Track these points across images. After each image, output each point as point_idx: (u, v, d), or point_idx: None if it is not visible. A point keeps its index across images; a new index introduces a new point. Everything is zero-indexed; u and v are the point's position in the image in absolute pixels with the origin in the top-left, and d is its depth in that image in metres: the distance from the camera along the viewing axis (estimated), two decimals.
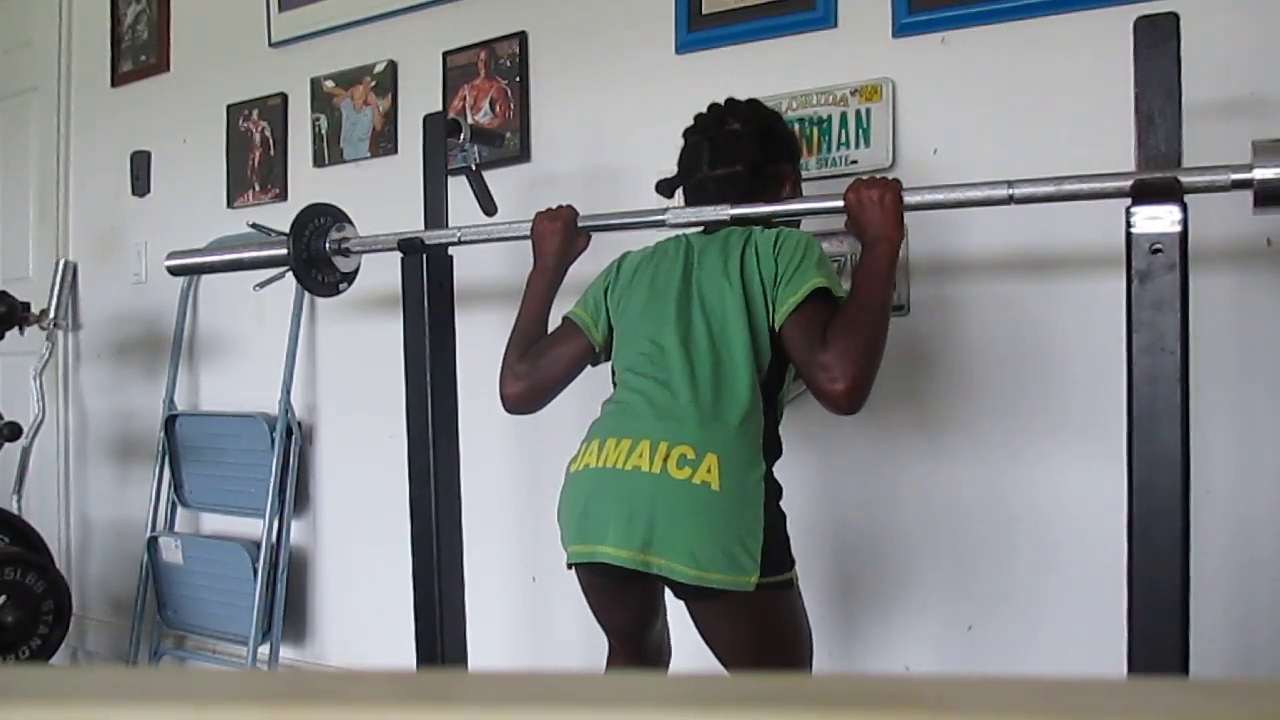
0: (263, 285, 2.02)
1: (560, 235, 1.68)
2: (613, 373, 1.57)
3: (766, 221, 1.57)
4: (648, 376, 1.45)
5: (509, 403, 1.60)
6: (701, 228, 1.60)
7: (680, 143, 1.64)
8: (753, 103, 1.62)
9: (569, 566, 1.49)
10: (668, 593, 1.48)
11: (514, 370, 1.59)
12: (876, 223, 1.42)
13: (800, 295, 1.38)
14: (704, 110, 1.62)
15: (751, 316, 1.43)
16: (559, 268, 1.69)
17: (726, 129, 1.58)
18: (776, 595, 1.38)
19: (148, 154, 3.04)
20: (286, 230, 1.97)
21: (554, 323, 1.67)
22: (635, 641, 1.60)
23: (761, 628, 1.41)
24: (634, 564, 1.36)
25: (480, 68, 2.37)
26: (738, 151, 1.56)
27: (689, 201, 1.62)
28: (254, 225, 2.12)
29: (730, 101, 1.61)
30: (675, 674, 0.32)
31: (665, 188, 1.67)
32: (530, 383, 1.58)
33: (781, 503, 1.43)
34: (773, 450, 1.44)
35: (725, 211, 1.55)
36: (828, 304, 1.39)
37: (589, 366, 1.62)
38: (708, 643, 1.45)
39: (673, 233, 1.63)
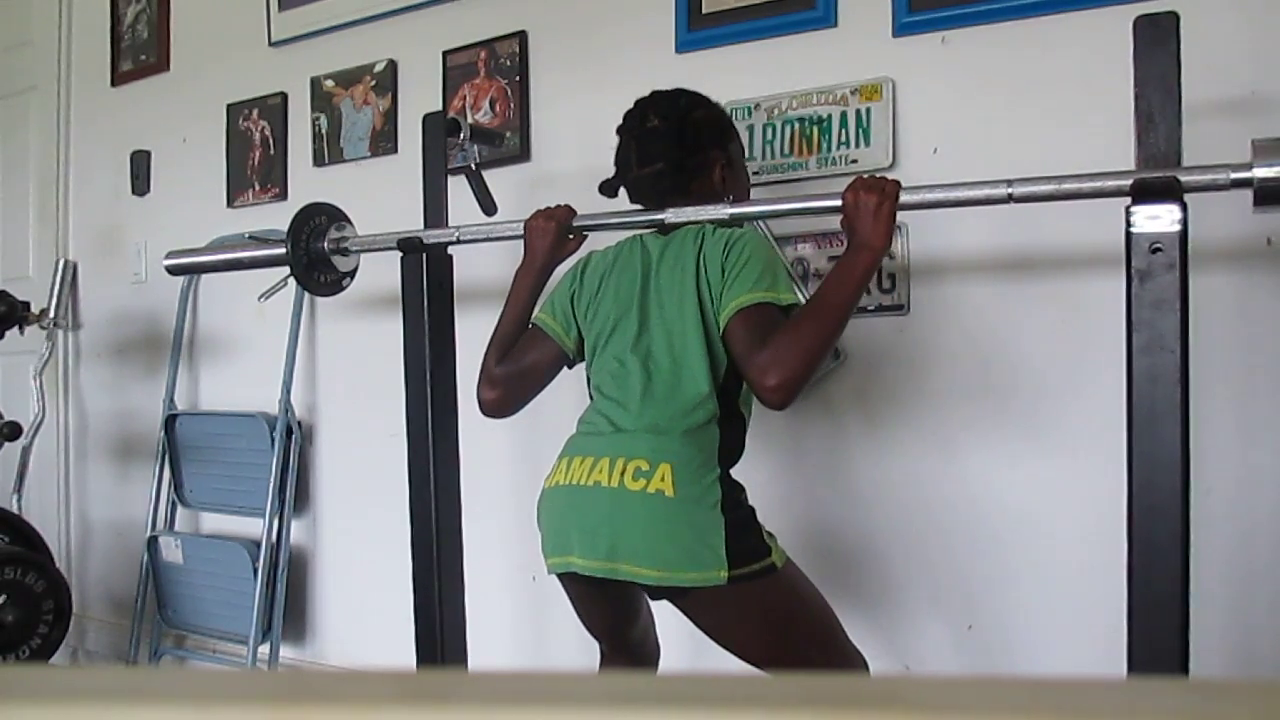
0: (267, 296, 2.02)
1: (551, 235, 1.69)
2: (587, 381, 1.61)
3: (725, 221, 1.58)
4: (610, 398, 1.52)
5: (486, 408, 1.65)
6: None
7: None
8: (674, 94, 1.63)
9: (548, 573, 1.55)
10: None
11: (491, 377, 1.63)
12: (867, 230, 1.43)
13: (741, 301, 1.41)
14: (631, 105, 1.64)
15: (706, 326, 1.47)
16: (546, 268, 1.71)
17: (648, 126, 1.60)
18: (758, 583, 1.41)
19: (148, 153, 3.04)
20: (285, 229, 1.97)
21: None
22: (620, 642, 1.65)
23: (755, 617, 1.44)
24: (602, 572, 1.43)
25: (480, 67, 2.37)
26: (657, 149, 1.59)
27: (631, 199, 1.66)
28: (253, 236, 2.12)
29: (654, 94, 1.63)
30: (675, 674, 0.32)
31: (608, 188, 1.68)
32: (505, 390, 1.63)
33: (748, 499, 1.48)
34: (730, 453, 1.48)
35: (724, 210, 1.56)
36: (770, 309, 1.41)
37: (565, 369, 1.65)
38: (716, 642, 1.49)
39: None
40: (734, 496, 1.45)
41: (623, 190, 1.66)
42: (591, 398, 1.58)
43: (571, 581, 1.52)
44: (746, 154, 1.87)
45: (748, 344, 1.39)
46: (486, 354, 1.65)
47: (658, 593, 1.45)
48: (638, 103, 1.63)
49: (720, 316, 1.44)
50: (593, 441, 1.49)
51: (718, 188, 1.61)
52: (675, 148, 1.58)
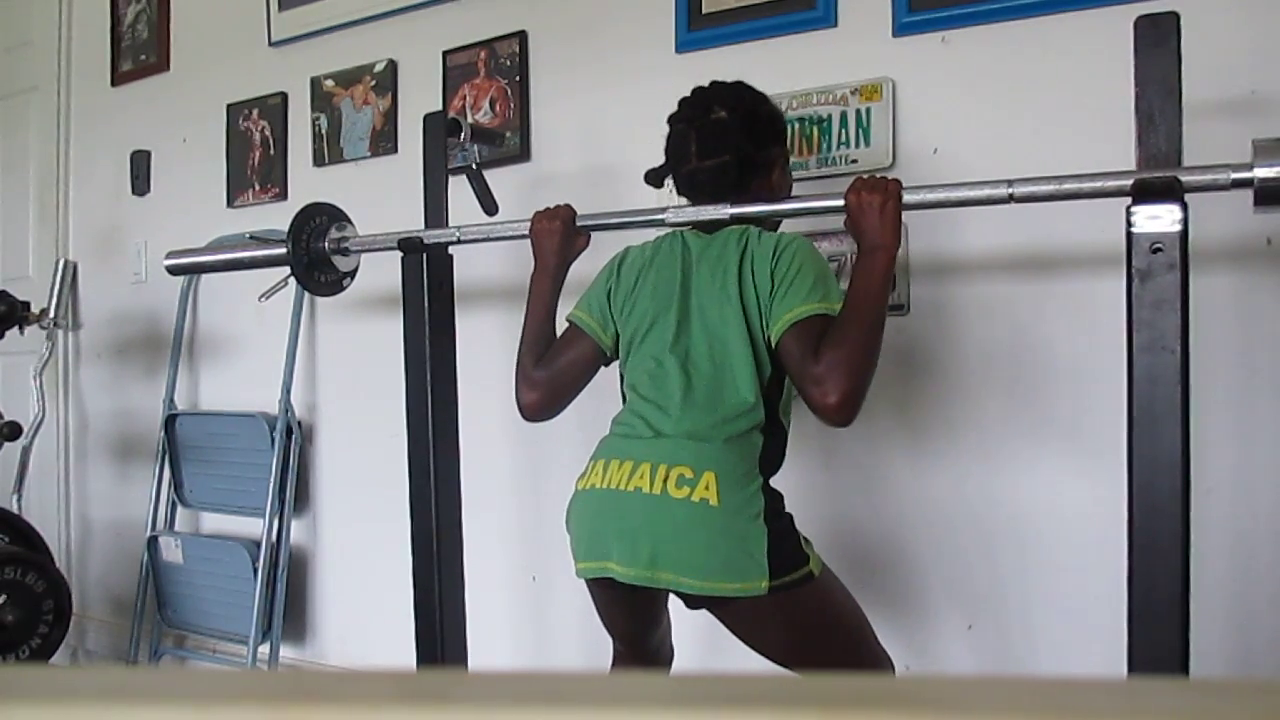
0: (267, 296, 2.02)
1: (558, 235, 1.67)
2: (621, 379, 1.58)
3: (764, 221, 1.57)
4: (648, 400, 1.48)
5: (527, 412, 1.61)
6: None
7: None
8: (738, 86, 1.58)
9: (578, 576, 1.52)
10: (677, 602, 1.51)
11: (530, 379, 1.59)
12: (874, 230, 1.42)
13: (796, 314, 1.39)
14: (689, 95, 1.58)
15: (750, 331, 1.44)
16: (560, 268, 1.68)
17: (712, 117, 1.54)
18: (797, 592, 1.40)
19: (148, 153, 3.04)
20: (285, 229, 1.97)
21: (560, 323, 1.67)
22: (640, 646, 1.63)
23: (793, 625, 1.43)
24: (642, 580, 1.41)
25: (480, 67, 2.37)
26: (725, 141, 1.53)
27: (680, 192, 1.61)
28: (253, 236, 2.13)
29: (715, 85, 1.57)
30: (675, 674, 0.32)
31: (654, 177, 1.63)
32: (546, 391, 1.59)
33: (785, 506, 1.46)
34: (771, 462, 1.47)
35: (725, 210, 1.55)
36: (825, 320, 1.39)
37: (602, 367, 1.62)
38: (750, 647, 1.48)
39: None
40: (775, 506, 1.43)
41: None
42: (624, 396, 1.55)
43: (603, 587, 1.49)
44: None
45: (801, 360, 1.36)
46: (520, 359, 1.61)
47: (696, 601, 1.43)
48: (697, 92, 1.57)
49: (772, 329, 1.41)
50: (631, 445, 1.46)
51: (775, 187, 1.58)
52: (745, 140, 1.53)
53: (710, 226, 1.56)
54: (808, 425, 1.95)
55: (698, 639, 1.85)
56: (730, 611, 1.42)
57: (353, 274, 2.07)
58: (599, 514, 1.46)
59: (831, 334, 1.36)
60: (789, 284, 1.41)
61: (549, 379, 1.58)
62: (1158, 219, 1.30)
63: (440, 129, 1.93)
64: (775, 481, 1.47)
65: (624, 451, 1.46)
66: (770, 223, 1.60)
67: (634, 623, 1.59)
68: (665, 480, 1.39)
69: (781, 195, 1.61)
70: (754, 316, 1.44)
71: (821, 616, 1.46)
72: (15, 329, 2.70)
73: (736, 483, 1.39)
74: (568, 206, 1.71)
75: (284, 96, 2.71)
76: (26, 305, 2.72)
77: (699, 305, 1.49)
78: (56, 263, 3.07)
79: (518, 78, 2.31)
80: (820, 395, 1.33)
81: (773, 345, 1.42)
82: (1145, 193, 1.31)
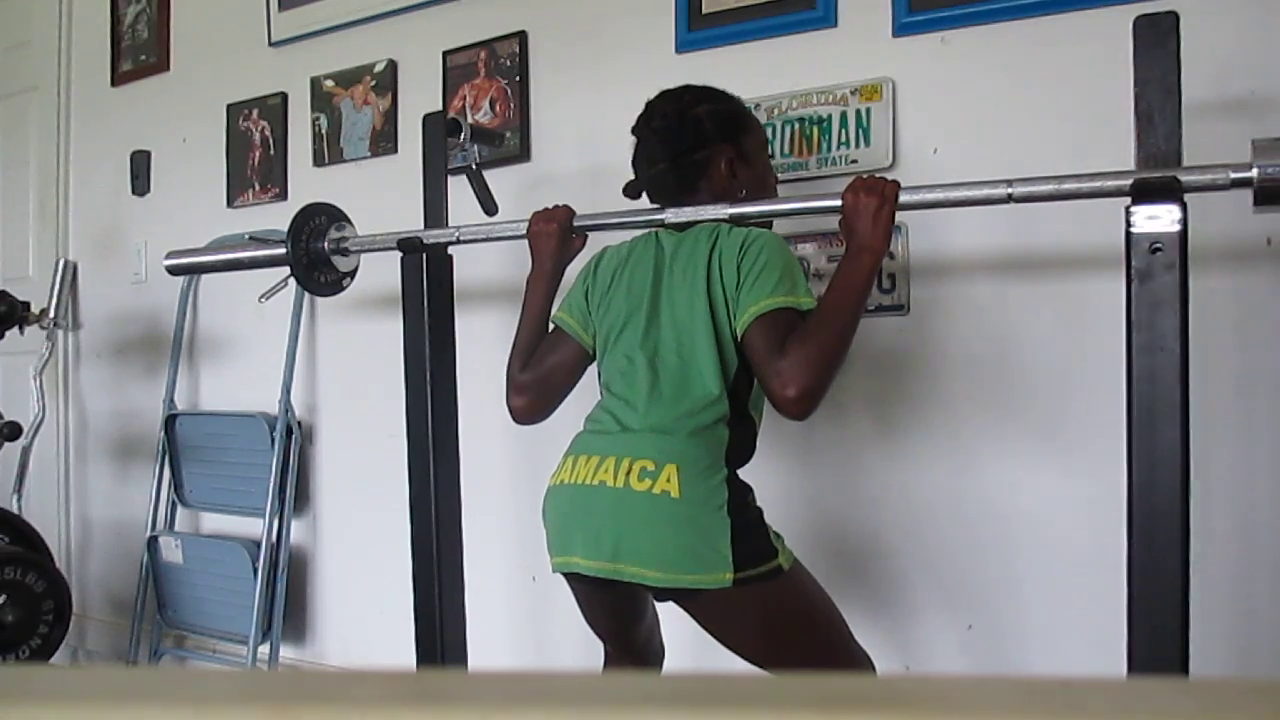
0: (267, 296, 2.02)
1: (556, 237, 1.68)
2: (599, 377, 1.59)
3: (747, 221, 1.57)
4: (618, 396, 1.51)
5: (517, 415, 1.63)
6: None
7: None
8: (679, 91, 1.61)
9: (553, 572, 1.54)
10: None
11: (517, 383, 1.62)
12: (865, 232, 1.43)
13: (761, 307, 1.40)
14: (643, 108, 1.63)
15: (717, 327, 1.45)
16: (556, 270, 1.70)
17: (652, 126, 1.59)
18: (765, 586, 1.40)
19: (148, 153, 3.04)
20: (285, 229, 1.97)
21: None
22: (625, 643, 1.64)
23: (762, 620, 1.43)
24: (605, 573, 1.42)
25: (480, 67, 2.37)
26: (660, 149, 1.58)
27: (651, 200, 1.65)
28: (253, 236, 2.12)
29: (662, 94, 1.62)
30: (675, 674, 0.32)
31: (631, 190, 1.68)
32: (534, 395, 1.61)
33: (755, 500, 1.47)
34: (738, 454, 1.47)
35: (725, 210, 1.55)
36: (790, 313, 1.40)
37: (588, 367, 1.63)
38: (722, 644, 1.48)
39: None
40: (741, 498, 1.43)
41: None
42: (601, 395, 1.57)
43: (576, 581, 1.52)
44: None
45: (766, 352, 1.37)
46: (510, 363, 1.63)
47: (662, 594, 1.44)
48: (647, 103, 1.62)
49: (738, 322, 1.42)
50: (599, 440, 1.48)
51: (727, 183, 1.59)
52: (674, 146, 1.57)
53: (684, 225, 1.58)
54: (809, 426, 1.96)
55: (692, 637, 1.85)
56: (697, 605, 1.42)
57: (352, 274, 2.07)
58: (566, 509, 1.48)
59: (803, 328, 1.37)
60: (755, 277, 1.42)
61: (535, 382, 1.61)
62: (1157, 219, 1.30)
63: (440, 129, 1.93)
64: (748, 475, 1.47)
65: (592, 447, 1.48)
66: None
67: (613, 619, 1.60)
68: (628, 473, 1.41)
69: (750, 188, 1.60)
70: (721, 310, 1.45)
71: (792, 612, 1.45)
72: (15, 329, 2.70)
73: (699, 475, 1.40)
74: (566, 207, 1.71)
75: (284, 96, 2.71)
76: (26, 305, 2.71)
77: (669, 302, 1.51)
78: (56, 263, 3.07)
79: (518, 78, 2.31)
80: (780, 387, 1.34)
81: (739, 338, 1.43)
82: (1144, 193, 1.31)
